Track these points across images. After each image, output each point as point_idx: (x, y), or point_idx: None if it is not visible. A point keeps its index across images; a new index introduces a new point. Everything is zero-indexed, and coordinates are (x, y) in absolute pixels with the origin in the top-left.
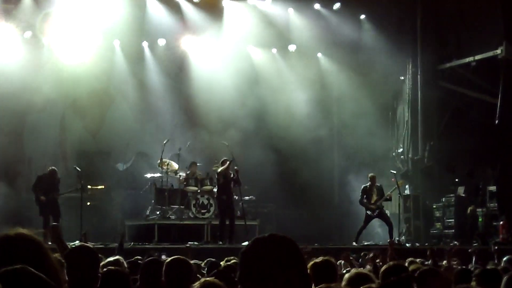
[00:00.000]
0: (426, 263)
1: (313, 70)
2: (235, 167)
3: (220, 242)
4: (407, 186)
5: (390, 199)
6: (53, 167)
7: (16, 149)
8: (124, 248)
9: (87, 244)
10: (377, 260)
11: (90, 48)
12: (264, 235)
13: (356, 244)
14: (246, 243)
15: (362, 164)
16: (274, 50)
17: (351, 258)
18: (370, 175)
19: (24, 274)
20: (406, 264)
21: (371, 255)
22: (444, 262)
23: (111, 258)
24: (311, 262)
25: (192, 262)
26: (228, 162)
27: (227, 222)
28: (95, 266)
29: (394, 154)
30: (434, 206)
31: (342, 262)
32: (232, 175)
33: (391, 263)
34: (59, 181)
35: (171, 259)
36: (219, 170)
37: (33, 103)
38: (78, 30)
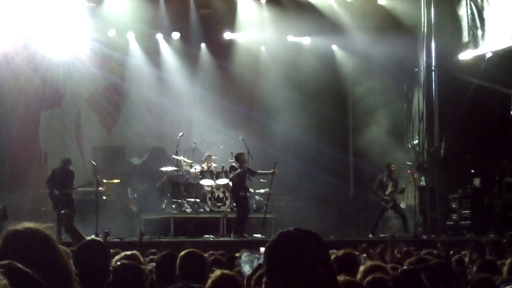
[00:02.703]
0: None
1: (327, 62)
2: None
3: (237, 235)
4: (422, 178)
5: (403, 192)
6: (66, 157)
7: (32, 145)
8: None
9: (98, 238)
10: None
11: (104, 42)
12: (289, 229)
13: (372, 236)
14: (258, 235)
15: (377, 156)
16: (290, 38)
17: (371, 250)
18: (386, 163)
19: (10, 270)
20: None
21: (378, 249)
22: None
23: (127, 252)
24: (333, 255)
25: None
26: (242, 159)
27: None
28: (106, 260)
29: (409, 145)
30: (450, 198)
31: (364, 255)
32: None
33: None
34: (73, 175)
35: (186, 252)
36: (236, 171)
37: (49, 98)
38: (92, 24)
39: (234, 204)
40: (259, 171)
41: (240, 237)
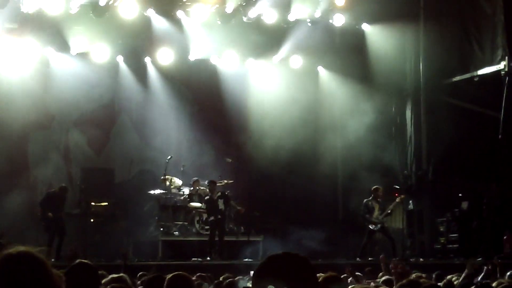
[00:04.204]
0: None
1: (315, 86)
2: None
3: (208, 258)
4: (410, 202)
5: (390, 214)
6: (64, 185)
7: (21, 166)
8: (129, 265)
9: (86, 261)
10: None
11: (94, 64)
12: (278, 253)
13: (360, 260)
14: (247, 259)
15: (365, 180)
16: (275, 61)
17: (357, 273)
18: (373, 187)
19: None
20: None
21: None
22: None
23: (114, 275)
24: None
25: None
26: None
27: (217, 238)
28: (95, 283)
29: (398, 169)
30: (438, 221)
31: (350, 278)
32: (218, 194)
33: (404, 281)
34: (66, 200)
35: (172, 275)
36: (206, 198)
37: (38, 120)
38: (82, 46)
39: None
40: (231, 202)
41: (217, 259)
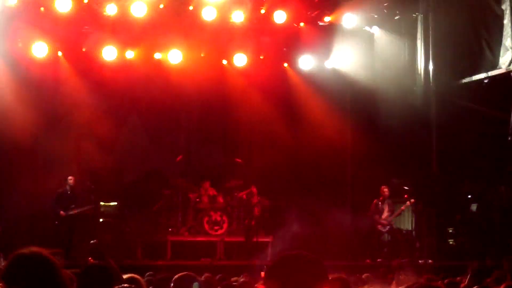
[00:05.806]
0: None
1: (324, 88)
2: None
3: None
4: (419, 203)
5: (400, 214)
6: (69, 177)
7: (30, 167)
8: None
9: (101, 262)
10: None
11: (103, 64)
12: (292, 253)
13: (370, 261)
14: (256, 260)
15: (375, 181)
16: (285, 64)
17: (366, 275)
18: (382, 187)
19: None
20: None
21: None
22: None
23: (128, 275)
24: None
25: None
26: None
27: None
28: (110, 284)
29: (408, 170)
30: (447, 223)
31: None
32: (256, 202)
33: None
34: (76, 197)
35: (179, 275)
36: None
37: (47, 120)
38: (92, 45)
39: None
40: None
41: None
